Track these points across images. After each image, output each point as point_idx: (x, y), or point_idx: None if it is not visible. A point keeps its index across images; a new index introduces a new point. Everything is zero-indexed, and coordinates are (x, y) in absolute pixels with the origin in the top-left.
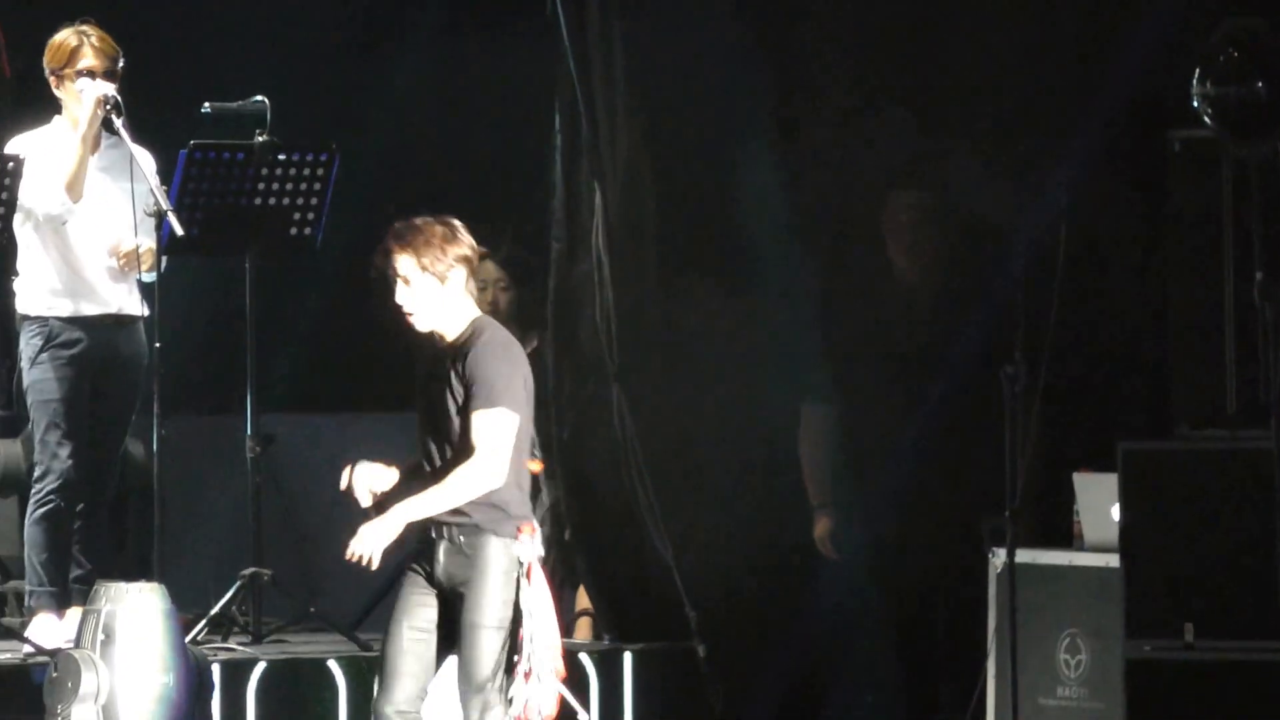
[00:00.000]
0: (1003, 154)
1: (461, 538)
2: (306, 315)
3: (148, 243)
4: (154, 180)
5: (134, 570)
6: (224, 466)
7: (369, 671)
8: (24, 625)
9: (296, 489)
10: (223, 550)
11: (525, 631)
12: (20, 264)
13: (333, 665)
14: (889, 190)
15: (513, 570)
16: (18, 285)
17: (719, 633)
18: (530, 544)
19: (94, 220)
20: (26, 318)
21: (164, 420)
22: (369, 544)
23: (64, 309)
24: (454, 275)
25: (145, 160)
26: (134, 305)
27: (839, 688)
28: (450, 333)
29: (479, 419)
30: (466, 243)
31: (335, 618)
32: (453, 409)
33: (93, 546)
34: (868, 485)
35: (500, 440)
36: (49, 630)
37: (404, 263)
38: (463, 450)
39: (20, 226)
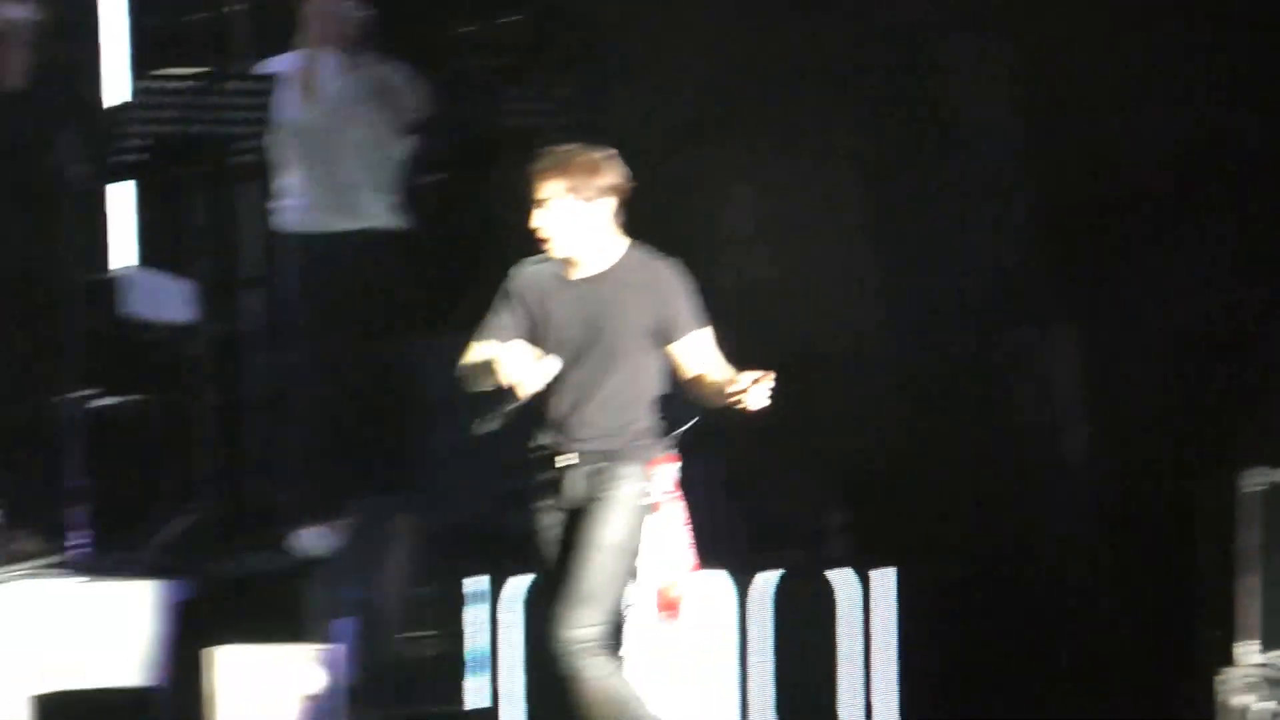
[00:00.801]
0: None
1: (598, 464)
2: None
3: None
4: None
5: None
6: None
7: None
8: None
9: None
10: None
11: (652, 561)
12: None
13: None
14: None
15: (641, 499)
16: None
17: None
18: (664, 475)
19: (342, 135)
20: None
21: None
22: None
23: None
24: (603, 203)
25: (394, 79)
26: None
27: None
28: (600, 262)
29: (705, 336)
30: (617, 171)
31: None
32: (630, 336)
33: None
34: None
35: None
36: None
37: (550, 188)
38: (643, 379)
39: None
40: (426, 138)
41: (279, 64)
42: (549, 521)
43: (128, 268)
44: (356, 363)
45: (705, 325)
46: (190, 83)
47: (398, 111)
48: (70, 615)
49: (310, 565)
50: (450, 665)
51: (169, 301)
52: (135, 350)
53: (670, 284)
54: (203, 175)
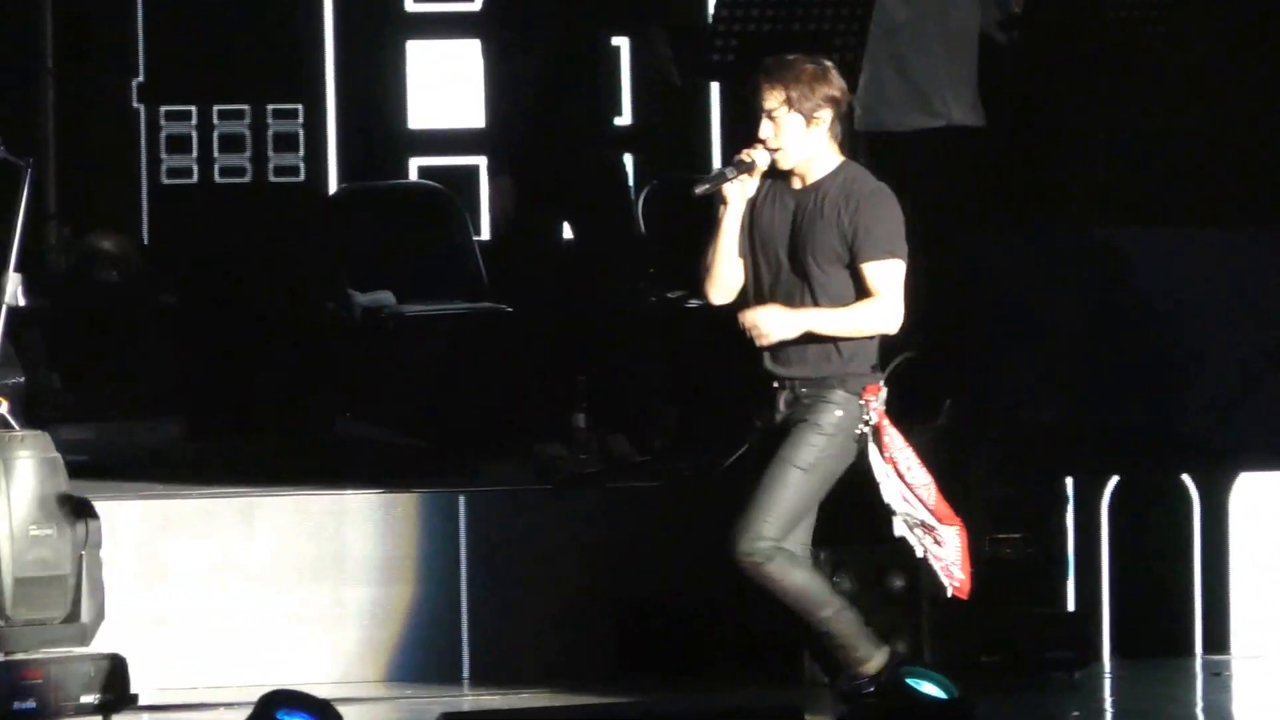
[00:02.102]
0: None
1: (804, 389)
2: None
3: None
4: None
5: None
6: None
7: None
8: None
9: None
10: None
11: (889, 499)
12: None
13: None
14: None
15: (850, 427)
16: None
17: None
18: (877, 404)
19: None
20: None
21: None
22: (772, 327)
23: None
24: (822, 115)
25: None
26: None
27: None
28: (811, 174)
29: (877, 268)
30: (837, 84)
31: None
32: (819, 252)
33: None
34: None
35: (898, 288)
36: None
37: (772, 98)
38: (832, 296)
39: None
40: (1011, 33)
41: None
42: (755, 444)
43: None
44: (935, 262)
45: (890, 256)
46: None
47: (994, 9)
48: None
49: None
50: (1037, 567)
51: None
52: None
53: (867, 205)
54: None
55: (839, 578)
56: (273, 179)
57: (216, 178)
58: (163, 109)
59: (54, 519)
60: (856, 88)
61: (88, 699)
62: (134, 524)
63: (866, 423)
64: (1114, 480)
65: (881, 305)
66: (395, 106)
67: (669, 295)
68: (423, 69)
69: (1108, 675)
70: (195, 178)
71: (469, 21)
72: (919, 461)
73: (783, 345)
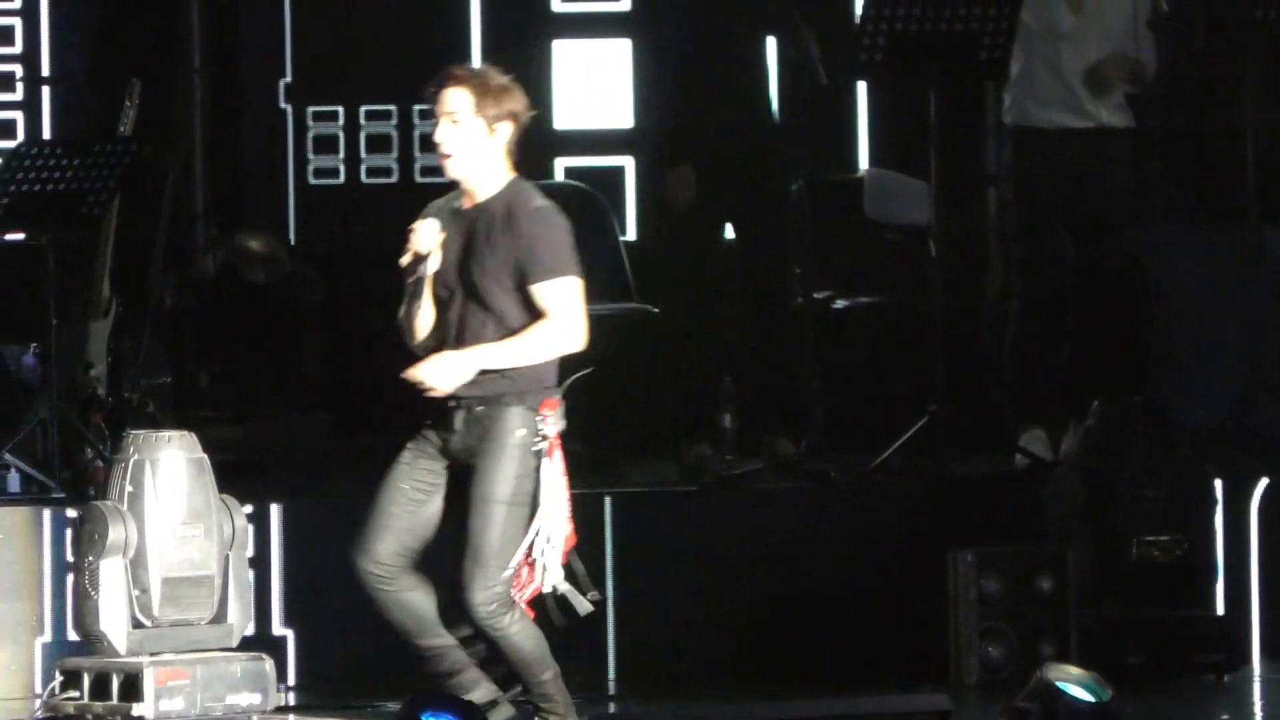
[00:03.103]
0: None
1: (480, 408)
2: None
3: None
4: None
5: None
6: None
7: None
8: None
9: None
10: None
11: (537, 516)
12: None
13: None
14: None
15: (530, 442)
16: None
17: None
18: (554, 420)
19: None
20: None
21: None
22: (440, 378)
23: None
24: (501, 127)
25: None
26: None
27: None
28: (482, 190)
29: (547, 289)
30: (522, 101)
31: None
32: (492, 277)
33: None
34: None
35: (573, 305)
36: None
37: (457, 98)
38: (512, 321)
39: None
40: (1169, 35)
41: None
42: (413, 461)
43: (865, 170)
44: (1089, 260)
45: (557, 275)
46: None
47: (1146, 9)
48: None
49: (1041, 467)
50: (1187, 569)
51: (905, 202)
52: (872, 252)
53: (530, 225)
54: (940, 74)
55: (985, 579)
56: (419, 179)
57: (363, 178)
58: (310, 109)
59: (201, 519)
60: (1005, 83)
61: (234, 699)
62: (281, 523)
63: (545, 437)
64: (1264, 482)
65: (556, 325)
66: (541, 106)
67: (815, 295)
68: (569, 68)
69: (1257, 679)
70: (342, 178)
71: (616, 21)
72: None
73: None
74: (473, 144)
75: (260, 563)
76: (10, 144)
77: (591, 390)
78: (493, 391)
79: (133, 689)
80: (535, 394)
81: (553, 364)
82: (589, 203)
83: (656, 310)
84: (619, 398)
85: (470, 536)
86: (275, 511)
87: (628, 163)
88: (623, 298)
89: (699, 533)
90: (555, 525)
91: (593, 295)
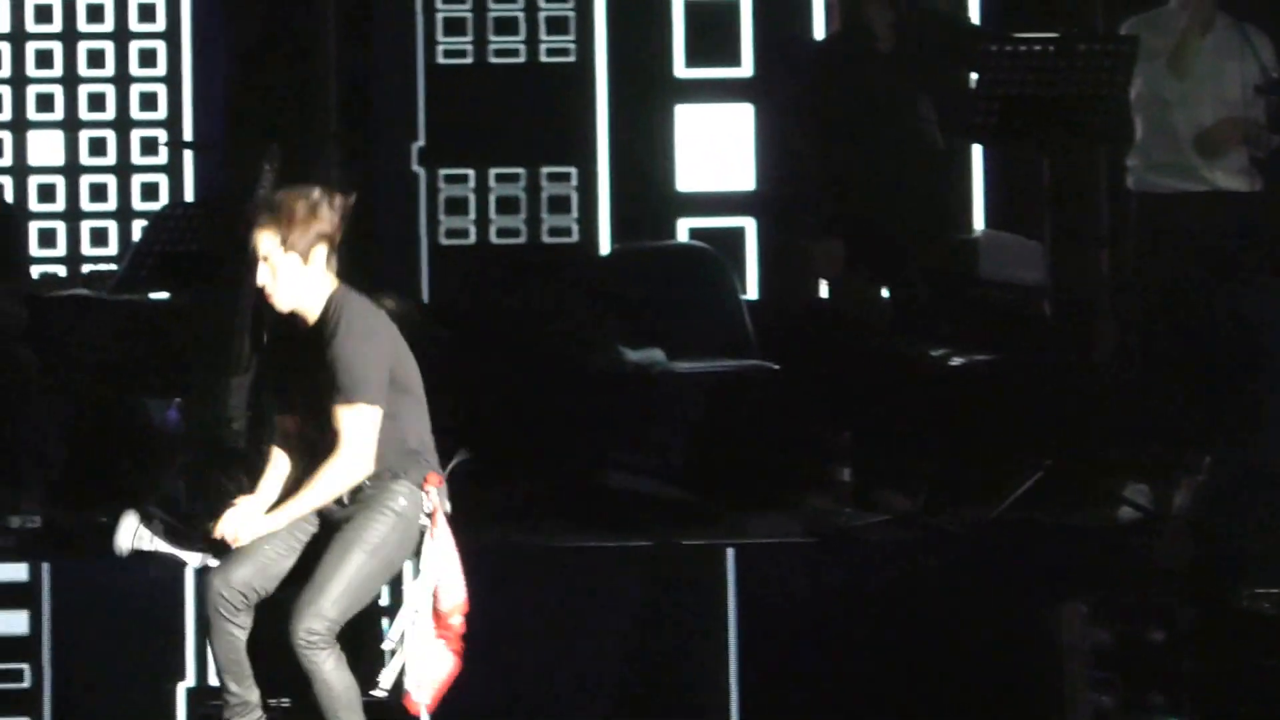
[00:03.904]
0: None
1: (366, 480)
2: None
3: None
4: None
5: None
6: None
7: None
8: None
9: None
10: None
11: (415, 589)
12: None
13: None
14: None
15: (414, 515)
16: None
17: None
18: (437, 495)
19: (1199, 99)
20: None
21: None
22: (240, 533)
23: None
24: (316, 252)
25: (1253, 39)
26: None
27: None
28: (313, 313)
29: (341, 414)
30: (329, 217)
31: None
32: (326, 392)
33: None
34: None
35: (363, 434)
36: None
37: (265, 241)
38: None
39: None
40: (1271, 95)
41: (1139, 26)
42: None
43: (980, 230)
44: (1201, 317)
45: (353, 402)
46: (1046, 45)
47: (1255, 73)
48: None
49: (1145, 519)
50: None
51: (1020, 262)
52: (988, 310)
53: (342, 343)
54: (1052, 139)
55: (1098, 630)
56: (547, 239)
57: (493, 238)
58: (441, 172)
59: None
60: (1120, 147)
61: None
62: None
63: (428, 514)
64: None
65: (343, 459)
66: (665, 169)
67: (932, 353)
68: (692, 132)
69: None
70: (472, 239)
71: (738, 86)
72: (460, 570)
73: None
74: (291, 279)
75: None
76: (155, 206)
77: (714, 445)
78: (379, 465)
79: None
80: (420, 468)
81: (431, 442)
82: (710, 262)
83: (776, 367)
84: (740, 452)
85: (319, 568)
86: None
87: (749, 223)
88: (743, 355)
89: (819, 584)
90: (423, 600)
91: (713, 352)
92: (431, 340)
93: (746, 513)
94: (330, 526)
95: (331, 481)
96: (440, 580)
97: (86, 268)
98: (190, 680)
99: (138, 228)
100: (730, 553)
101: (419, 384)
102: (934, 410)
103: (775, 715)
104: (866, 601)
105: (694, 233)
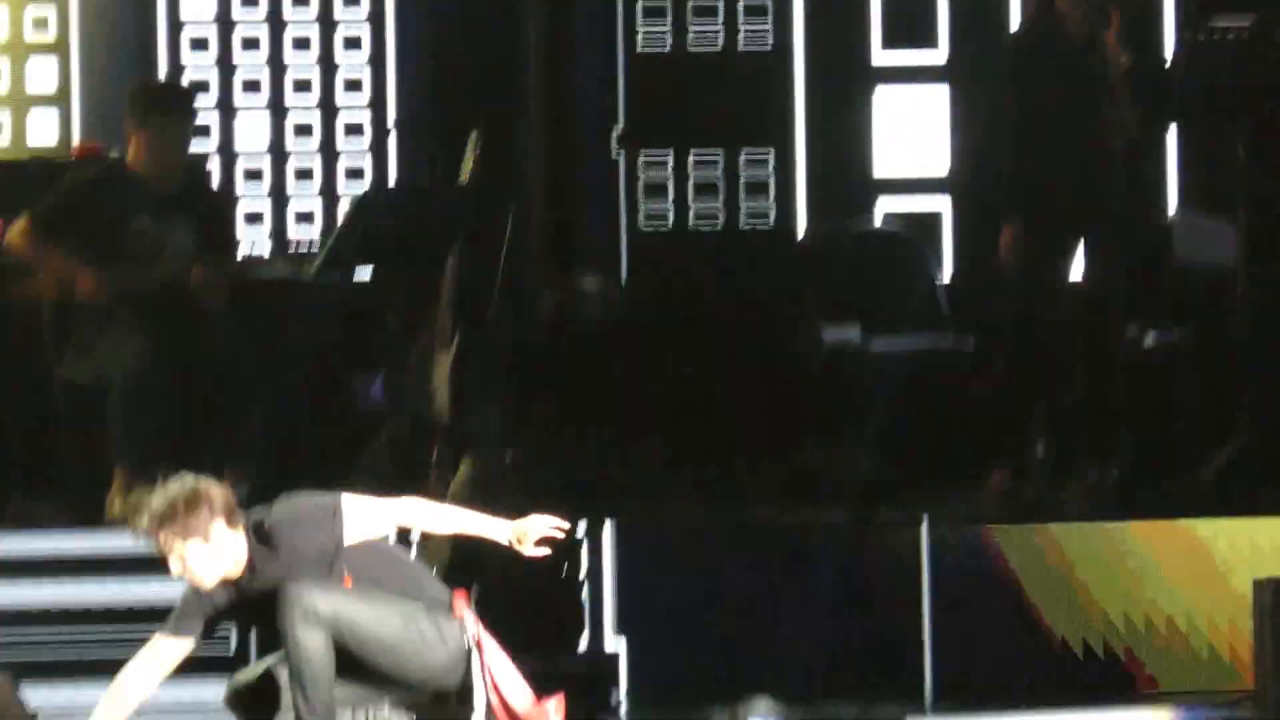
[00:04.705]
0: None
1: None
2: None
3: None
4: None
5: None
6: None
7: None
8: None
9: None
10: None
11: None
12: None
13: None
14: None
15: (457, 646)
16: None
17: None
18: (469, 615)
19: None
20: None
21: None
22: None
23: None
24: (214, 526)
25: None
26: None
27: None
28: (235, 571)
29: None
30: (208, 494)
31: None
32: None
33: None
34: None
35: None
36: None
37: (166, 546)
38: None
39: None
40: None
41: None
42: None
43: (1175, 211)
44: None
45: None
46: (1242, 30)
47: None
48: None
49: None
50: None
51: (1214, 243)
52: (1182, 290)
53: (297, 548)
54: (1248, 122)
55: None
56: (744, 224)
57: (691, 222)
58: (641, 156)
59: None
60: None
61: None
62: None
63: (474, 638)
64: None
65: None
66: (861, 151)
67: (1126, 332)
68: (888, 116)
69: None
70: (671, 222)
71: (934, 70)
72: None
73: None
74: (206, 560)
75: (594, 578)
76: (360, 188)
77: (909, 422)
78: None
79: None
80: (439, 601)
81: (427, 572)
82: (906, 244)
83: (972, 346)
84: (935, 429)
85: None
86: (608, 529)
87: (944, 205)
88: (938, 333)
89: (1013, 560)
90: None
91: (909, 331)
92: (629, 321)
93: (941, 489)
94: None
95: None
96: (503, 687)
97: (292, 249)
98: None
99: (343, 209)
100: (925, 529)
101: (390, 562)
102: (1128, 388)
103: (969, 692)
104: (1059, 577)
105: (890, 216)
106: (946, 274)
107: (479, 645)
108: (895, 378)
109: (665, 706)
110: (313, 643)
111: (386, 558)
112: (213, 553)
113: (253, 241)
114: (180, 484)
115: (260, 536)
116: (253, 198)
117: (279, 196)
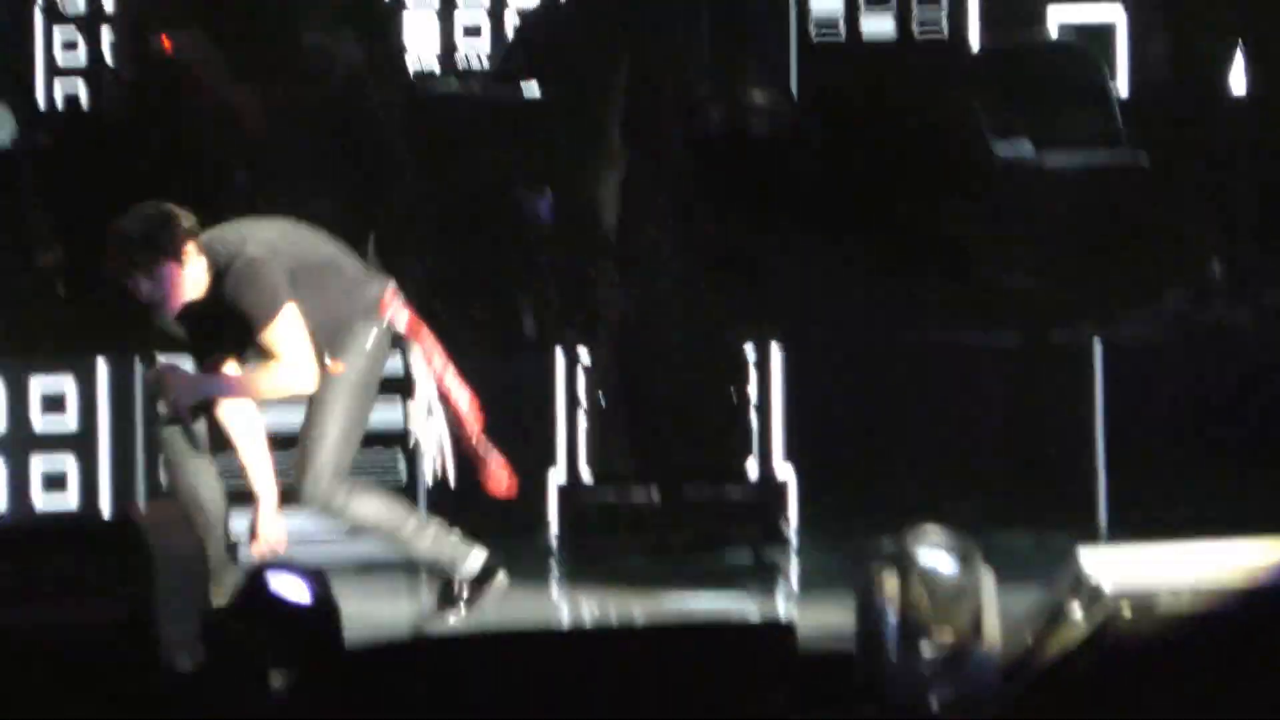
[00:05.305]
0: None
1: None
2: None
3: None
4: None
5: None
6: None
7: None
8: None
9: None
10: None
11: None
12: None
13: None
14: None
15: (381, 343)
16: None
17: None
18: (400, 308)
19: None
20: None
21: None
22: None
23: None
24: (187, 248)
25: None
26: None
27: None
28: (196, 293)
29: (266, 335)
30: (175, 216)
31: None
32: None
33: None
34: None
35: (294, 344)
36: None
37: (126, 275)
38: None
39: None
40: None
41: None
42: None
43: None
44: None
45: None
46: None
47: None
48: None
49: None
50: None
51: None
52: None
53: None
54: None
55: None
56: (918, 35)
57: (863, 35)
58: None
59: None
60: None
61: None
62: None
63: (401, 330)
64: None
65: (282, 365)
66: None
67: None
68: None
69: None
70: (843, 34)
71: None
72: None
73: None
74: (182, 279)
75: (762, 403)
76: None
77: (1083, 239)
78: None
79: None
80: (366, 302)
81: (362, 275)
82: (1081, 55)
83: (1147, 162)
84: (1110, 247)
85: (304, 432)
86: (776, 352)
87: (1119, 15)
88: (1113, 147)
89: (1184, 377)
90: (434, 397)
91: (1083, 144)
92: (798, 134)
93: (1114, 309)
94: None
95: (268, 383)
96: (445, 380)
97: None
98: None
99: (510, 23)
100: (1098, 347)
101: (320, 248)
102: None
103: (1143, 513)
104: (1231, 392)
105: (1064, 27)
106: (1122, 87)
107: (415, 336)
108: (1070, 192)
109: (833, 535)
110: (364, 510)
111: (329, 272)
112: (183, 276)
113: (419, 57)
114: (150, 206)
115: (217, 256)
116: (422, 8)
117: (446, 11)
